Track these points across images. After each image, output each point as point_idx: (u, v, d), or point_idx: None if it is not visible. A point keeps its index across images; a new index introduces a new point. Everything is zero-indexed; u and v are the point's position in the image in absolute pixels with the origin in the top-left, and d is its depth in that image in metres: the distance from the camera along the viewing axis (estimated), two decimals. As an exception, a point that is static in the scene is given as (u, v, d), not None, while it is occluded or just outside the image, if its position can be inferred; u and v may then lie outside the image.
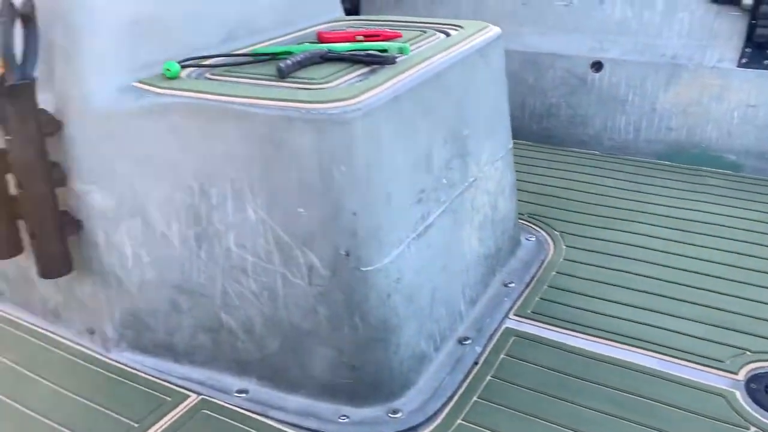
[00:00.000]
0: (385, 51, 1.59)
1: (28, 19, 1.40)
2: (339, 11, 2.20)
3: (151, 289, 1.58)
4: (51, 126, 1.49)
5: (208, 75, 1.53)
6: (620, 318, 1.79)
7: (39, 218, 1.53)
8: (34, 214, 1.53)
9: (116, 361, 1.68)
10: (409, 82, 1.46)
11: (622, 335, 1.71)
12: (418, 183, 1.50)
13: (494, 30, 1.89)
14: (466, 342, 1.68)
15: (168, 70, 1.47)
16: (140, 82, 1.48)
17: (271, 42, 1.82)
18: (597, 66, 2.89)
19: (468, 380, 1.57)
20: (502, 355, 1.65)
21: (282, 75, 1.45)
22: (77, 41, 1.45)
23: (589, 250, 2.13)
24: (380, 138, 1.36)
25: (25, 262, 1.73)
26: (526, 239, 2.17)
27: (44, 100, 1.48)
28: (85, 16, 1.44)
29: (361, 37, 1.75)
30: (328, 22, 2.07)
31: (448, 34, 1.84)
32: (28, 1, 1.39)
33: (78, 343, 1.76)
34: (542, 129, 3.00)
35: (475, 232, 1.79)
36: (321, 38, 1.79)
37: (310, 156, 1.31)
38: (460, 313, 1.73)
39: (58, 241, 1.57)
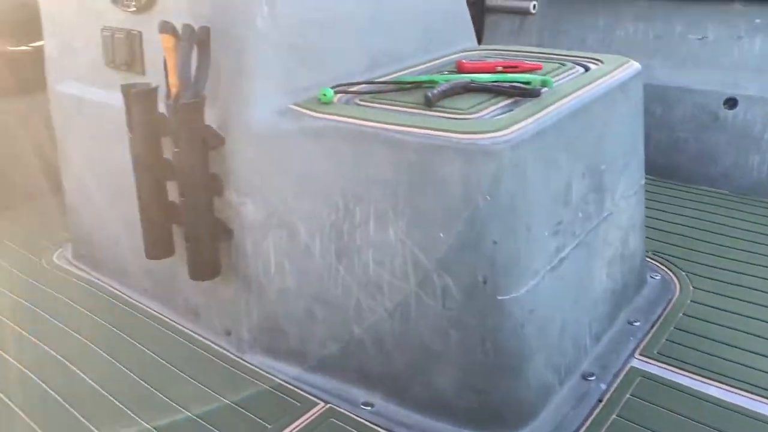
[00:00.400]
0: (527, 83, 1.62)
1: (203, 43, 1.54)
2: (473, 40, 2.25)
3: (289, 297, 1.68)
4: (214, 141, 1.62)
5: (357, 101, 1.62)
6: (755, 368, 1.71)
7: (196, 225, 1.66)
8: (192, 221, 1.66)
9: (250, 363, 1.78)
10: (554, 116, 1.48)
11: (758, 386, 1.63)
12: (556, 215, 1.51)
13: (634, 65, 1.88)
14: (591, 378, 1.66)
15: (324, 95, 1.57)
16: (297, 105, 1.58)
17: (411, 70, 1.89)
18: (731, 103, 2.79)
19: (592, 417, 1.56)
20: (627, 395, 1.62)
21: (429, 104, 1.51)
22: (244, 64, 1.58)
23: (718, 294, 2.05)
24: (525, 169, 1.39)
25: (172, 262, 1.88)
26: (651, 277, 2.12)
27: (209, 116, 1.62)
28: (254, 42, 1.57)
29: (500, 68, 1.79)
30: (463, 51, 2.13)
31: (586, 68, 1.84)
32: (204, 26, 1.53)
33: (215, 343, 1.88)
34: (668, 164, 2.91)
35: (604, 267, 1.78)
36: (461, 68, 1.84)
37: (457, 184, 1.35)
38: (585, 348, 1.71)
39: (210, 247, 1.69)
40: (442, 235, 1.39)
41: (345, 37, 1.76)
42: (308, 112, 1.54)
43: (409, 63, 1.94)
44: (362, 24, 1.81)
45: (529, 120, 1.42)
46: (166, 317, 2.02)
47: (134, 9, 1.74)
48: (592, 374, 1.67)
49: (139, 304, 2.09)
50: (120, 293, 2.15)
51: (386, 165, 1.43)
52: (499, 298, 1.40)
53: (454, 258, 1.40)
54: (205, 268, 1.71)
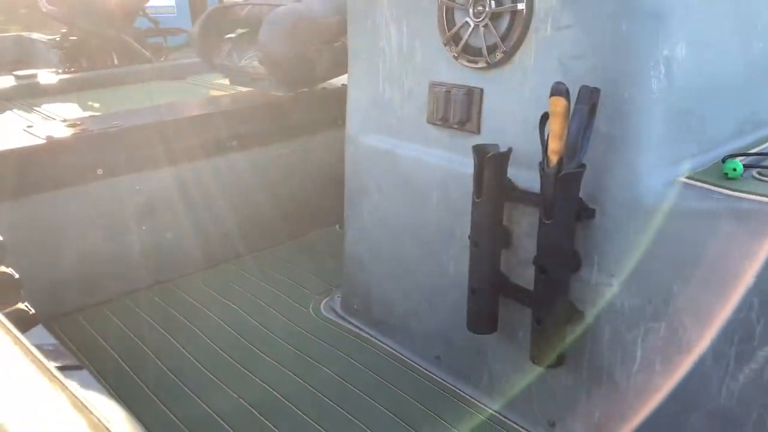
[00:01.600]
0: None
1: (592, 107, 1.37)
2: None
3: (655, 401, 1.45)
4: (585, 213, 1.44)
5: (755, 174, 1.39)
6: None
7: (551, 304, 1.48)
8: (547, 300, 1.49)
9: (582, 463, 1.57)
10: None
11: None
12: None
13: None
14: None
15: (733, 170, 1.35)
16: (692, 178, 1.38)
17: (780, 137, 1.64)
18: None
19: None
20: None
21: None
22: (630, 130, 1.39)
23: None
24: None
25: (482, 336, 1.73)
26: None
27: (576, 185, 1.45)
28: (646, 106, 1.38)
29: None
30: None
31: None
32: (596, 89, 1.37)
33: (523, 428, 1.69)
34: None
35: None
36: None
37: None
38: None
39: (562, 330, 1.51)
40: None
41: (721, 101, 1.55)
42: (718, 189, 1.33)
43: None
44: (737, 87, 1.58)
45: None
46: (464, 392, 1.85)
47: (483, 65, 1.62)
48: None
49: (428, 372, 1.95)
50: (402, 356, 2.03)
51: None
52: None
53: None
54: (552, 352, 1.52)
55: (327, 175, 2.91)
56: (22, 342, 0.65)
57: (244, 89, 3.06)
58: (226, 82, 3.47)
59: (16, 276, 1.21)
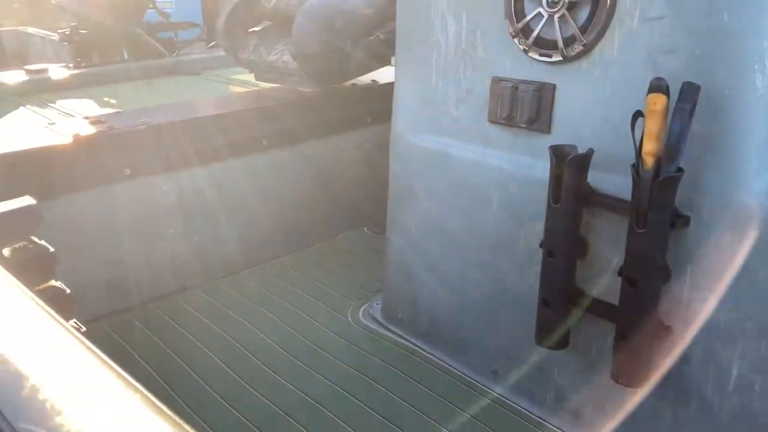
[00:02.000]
0: None
1: (693, 106, 1.26)
2: None
3: (753, 423, 1.34)
4: (680, 221, 1.33)
5: None
6: None
7: (640, 320, 1.37)
8: (635, 315, 1.37)
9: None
10: None
11: None
12: None
13: None
14: None
15: None
16: (802, 184, 1.26)
17: None
18: None
19: None
20: None
21: None
22: (730, 131, 1.28)
23: None
24: None
25: (548, 351, 1.61)
26: None
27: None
28: (746, 104, 1.26)
29: None
30: None
31: None
32: (698, 86, 1.25)
33: None
34: None
35: None
36: None
37: None
38: None
39: (648, 347, 1.39)
40: None
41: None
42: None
43: None
44: None
45: None
46: (526, 410, 1.74)
47: (558, 59, 1.50)
48: None
49: (484, 387, 1.83)
50: (454, 369, 1.91)
51: None
52: None
53: None
54: (637, 371, 1.41)
55: (356, 175, 2.80)
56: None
57: (265, 85, 2.93)
58: (242, 77, 3.35)
59: (68, 291, 1.09)
